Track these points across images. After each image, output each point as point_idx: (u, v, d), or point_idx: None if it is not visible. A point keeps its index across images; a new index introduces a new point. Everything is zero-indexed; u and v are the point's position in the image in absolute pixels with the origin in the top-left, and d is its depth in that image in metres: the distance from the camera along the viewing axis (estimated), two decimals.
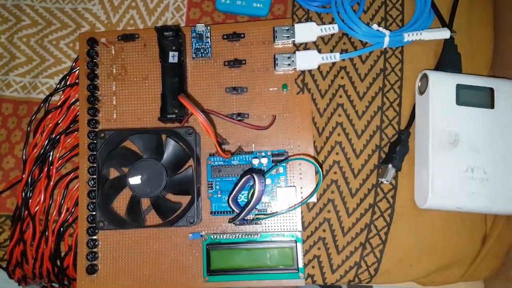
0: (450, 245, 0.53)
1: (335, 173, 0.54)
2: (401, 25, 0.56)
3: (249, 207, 0.47)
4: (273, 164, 0.52)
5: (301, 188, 0.53)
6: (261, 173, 0.50)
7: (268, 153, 0.53)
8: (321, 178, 0.47)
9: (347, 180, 0.53)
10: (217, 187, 0.53)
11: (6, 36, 0.58)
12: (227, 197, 0.51)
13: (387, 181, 0.51)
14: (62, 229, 0.54)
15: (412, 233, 0.52)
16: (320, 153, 0.54)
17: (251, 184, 0.50)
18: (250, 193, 0.50)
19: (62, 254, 0.54)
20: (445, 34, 0.53)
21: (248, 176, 0.48)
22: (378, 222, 0.53)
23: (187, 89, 0.54)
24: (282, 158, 0.52)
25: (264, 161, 0.53)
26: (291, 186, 0.52)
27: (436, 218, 0.53)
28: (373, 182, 0.53)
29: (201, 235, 0.52)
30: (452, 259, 0.53)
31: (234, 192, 0.49)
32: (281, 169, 0.52)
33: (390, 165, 0.51)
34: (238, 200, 0.52)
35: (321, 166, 0.54)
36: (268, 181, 0.52)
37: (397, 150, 0.51)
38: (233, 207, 0.49)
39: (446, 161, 0.49)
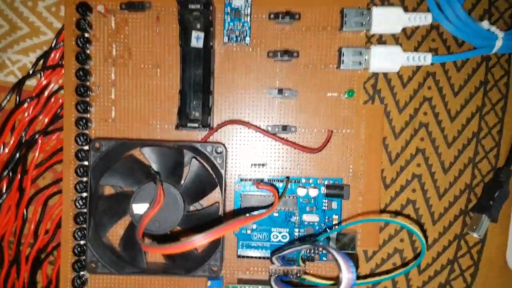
0: None
1: (408, 216, 0.46)
2: (510, 22, 0.46)
3: None
4: (325, 196, 0.44)
5: (360, 230, 0.43)
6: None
7: (319, 182, 0.44)
8: (424, 249, 0.37)
9: (423, 227, 0.46)
10: None
11: None
12: (260, 244, 0.43)
13: (479, 236, 0.43)
14: (39, 256, 0.47)
15: None
16: (390, 187, 0.46)
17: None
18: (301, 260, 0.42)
19: (39, 286, 0.48)
20: None
21: (311, 246, 0.39)
22: (456, 282, 0.46)
23: (213, 86, 0.44)
24: (341, 192, 0.43)
25: (313, 193, 0.44)
26: (348, 233, 0.43)
27: None
28: (456, 232, 0.46)
29: (223, 284, 0.44)
30: None
31: (284, 252, 0.40)
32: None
33: (484, 216, 0.43)
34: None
35: (426, 237, 0.46)
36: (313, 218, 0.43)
37: (496, 196, 0.43)
38: (276, 262, 0.42)
39: None
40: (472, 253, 0.46)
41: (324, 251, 0.43)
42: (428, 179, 0.46)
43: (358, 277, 0.43)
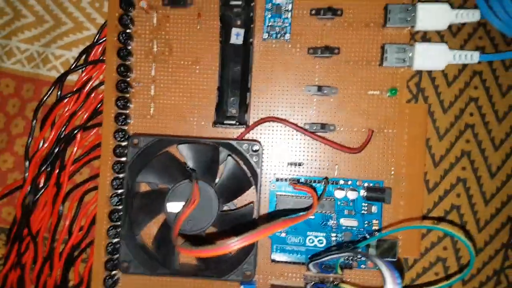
0: None
1: (451, 222, 0.42)
2: None
3: None
4: (365, 199, 0.42)
5: (400, 237, 0.41)
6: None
7: (358, 184, 0.42)
8: (473, 260, 0.35)
9: (468, 234, 0.43)
10: None
11: None
12: (295, 248, 0.42)
13: None
14: (73, 253, 0.47)
15: None
16: (433, 191, 0.44)
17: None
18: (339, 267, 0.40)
19: (71, 284, 0.47)
20: None
21: (352, 254, 0.37)
22: None
23: (251, 83, 0.43)
24: (382, 196, 0.41)
25: (352, 195, 0.42)
26: (389, 239, 0.41)
27: None
28: (503, 240, 0.44)
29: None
30: None
31: (323, 259, 0.38)
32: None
33: None
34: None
35: (474, 246, 0.43)
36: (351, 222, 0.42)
37: None
38: (313, 269, 0.40)
39: None
40: None
41: (363, 258, 0.41)
42: (474, 184, 0.43)
43: None
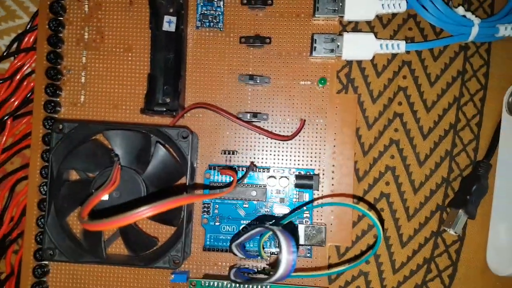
0: None
1: (381, 210, 0.44)
2: (490, 12, 0.45)
3: (266, 282, 0.35)
4: (296, 188, 0.42)
5: (331, 225, 0.42)
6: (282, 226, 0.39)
7: (291, 172, 0.43)
8: (380, 240, 0.35)
9: (398, 222, 0.43)
10: (216, 211, 0.43)
11: None
12: (229, 238, 0.42)
13: (455, 232, 0.41)
14: (4, 243, 0.46)
15: None
16: (363, 179, 0.44)
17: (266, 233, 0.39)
18: (263, 250, 0.40)
19: (2, 276, 0.47)
20: None
21: (263, 229, 0.37)
22: (433, 284, 0.43)
23: (185, 71, 0.44)
24: (310, 182, 0.41)
25: (284, 183, 0.42)
26: (317, 226, 0.41)
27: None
28: (433, 229, 0.43)
29: (188, 278, 0.41)
30: None
31: (240, 239, 0.38)
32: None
33: (461, 211, 0.41)
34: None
35: (382, 222, 0.43)
36: (284, 209, 0.42)
37: (473, 190, 0.41)
38: (236, 252, 0.39)
39: None
40: (450, 252, 0.43)
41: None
42: (403, 172, 0.44)
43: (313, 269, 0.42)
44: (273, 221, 0.42)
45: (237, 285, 0.39)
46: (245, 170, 0.43)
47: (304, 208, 0.42)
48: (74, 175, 0.44)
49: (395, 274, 0.43)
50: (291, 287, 0.41)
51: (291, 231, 0.40)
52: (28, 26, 0.45)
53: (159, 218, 0.41)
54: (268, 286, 0.40)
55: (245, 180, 0.42)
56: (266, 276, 0.35)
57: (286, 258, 0.31)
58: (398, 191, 0.44)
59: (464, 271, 0.43)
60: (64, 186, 0.42)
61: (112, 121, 0.44)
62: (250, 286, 0.39)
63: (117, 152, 0.41)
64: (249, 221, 0.43)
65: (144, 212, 0.28)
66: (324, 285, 0.42)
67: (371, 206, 0.44)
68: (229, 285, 0.41)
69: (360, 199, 0.44)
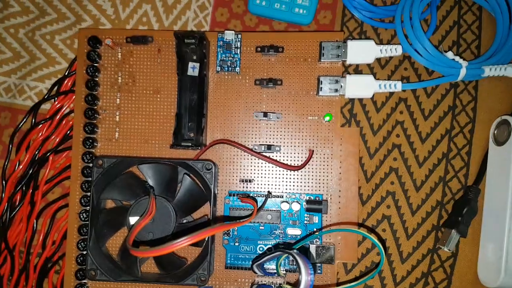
0: None
1: (383, 230, 0.49)
2: (477, 53, 0.50)
3: None
4: (307, 211, 0.47)
5: (339, 244, 0.47)
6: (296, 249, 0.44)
7: (301, 197, 0.48)
8: (383, 261, 0.40)
9: (398, 241, 0.48)
10: (235, 233, 0.48)
11: None
12: (248, 256, 0.47)
13: (449, 249, 0.45)
14: (46, 265, 0.50)
15: None
16: (366, 203, 0.49)
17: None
18: (280, 268, 0.45)
19: None
20: None
21: (281, 253, 0.42)
22: None
23: (207, 110, 0.49)
24: (320, 207, 0.46)
25: (295, 207, 0.47)
26: (327, 245, 0.46)
27: None
28: (429, 246, 0.48)
29: None
30: None
31: (261, 261, 0.43)
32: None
33: (453, 231, 0.46)
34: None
35: (384, 246, 0.48)
36: (296, 231, 0.47)
37: (464, 212, 0.46)
38: (257, 271, 0.44)
39: None
40: (445, 267, 0.48)
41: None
42: (402, 196, 0.48)
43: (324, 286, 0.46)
44: (282, 245, 0.47)
45: None
46: (264, 198, 0.47)
47: (316, 233, 0.46)
48: (109, 203, 0.49)
49: (396, 287, 0.48)
50: None
51: (304, 251, 0.46)
52: (67, 71, 0.51)
53: None
54: None
55: (264, 207, 0.47)
56: None
57: (305, 279, 0.36)
58: (398, 213, 0.49)
59: (458, 284, 0.48)
60: (102, 213, 0.47)
61: (143, 156, 0.49)
62: None
63: (149, 182, 0.47)
64: (265, 242, 0.48)
65: (183, 242, 0.34)
66: None
67: (374, 227, 0.48)
68: None
69: (363, 221, 0.49)
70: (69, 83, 0.51)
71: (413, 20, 0.47)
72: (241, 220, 0.41)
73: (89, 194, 0.47)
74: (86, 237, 0.47)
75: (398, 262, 0.48)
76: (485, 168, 0.48)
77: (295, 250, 0.38)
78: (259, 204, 0.47)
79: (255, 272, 0.45)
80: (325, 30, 0.51)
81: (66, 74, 0.51)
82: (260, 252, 0.48)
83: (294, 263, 0.46)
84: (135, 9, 0.52)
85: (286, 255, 0.41)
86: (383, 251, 0.39)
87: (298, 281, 0.37)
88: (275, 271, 0.45)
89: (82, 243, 0.48)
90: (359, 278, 0.47)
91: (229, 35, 0.48)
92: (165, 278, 0.47)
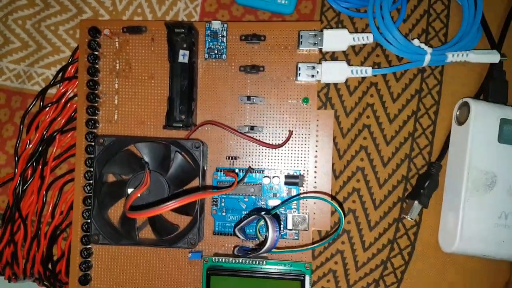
0: None
1: (353, 201, 0.53)
2: (444, 40, 0.54)
3: (258, 253, 0.47)
4: (286, 185, 0.52)
5: (314, 214, 0.52)
6: (271, 214, 0.50)
7: (281, 173, 0.52)
8: (342, 223, 0.46)
9: (367, 211, 0.53)
10: (222, 204, 0.53)
11: (0, 16, 0.57)
12: (233, 224, 0.52)
13: (411, 218, 0.50)
14: (55, 232, 0.55)
15: (431, 275, 0.53)
16: (339, 177, 0.54)
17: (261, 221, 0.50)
18: (259, 233, 0.51)
19: (55, 258, 0.56)
20: (494, 58, 0.50)
21: (257, 216, 0.48)
22: (395, 259, 0.53)
23: (197, 94, 0.53)
24: (296, 181, 0.51)
25: (276, 181, 0.52)
26: (302, 214, 0.52)
27: (458, 260, 0.53)
28: (395, 216, 0.53)
29: (202, 256, 0.52)
30: None
31: (241, 225, 0.49)
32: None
33: (416, 202, 0.51)
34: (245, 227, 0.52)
35: (343, 210, 0.53)
36: (276, 202, 0.52)
37: (426, 185, 0.51)
38: (239, 235, 0.50)
39: (479, 205, 0.48)
40: (409, 235, 0.53)
41: (284, 230, 0.52)
42: (371, 172, 0.53)
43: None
44: (264, 212, 0.52)
45: (239, 259, 0.50)
46: (244, 172, 0.53)
47: (291, 199, 0.51)
48: (111, 177, 0.54)
49: (365, 252, 0.53)
50: (285, 263, 0.51)
51: (277, 218, 0.51)
52: (70, 59, 0.55)
53: (179, 210, 0.52)
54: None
55: (245, 180, 0.52)
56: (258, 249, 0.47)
57: (271, 235, 0.42)
58: (367, 186, 0.53)
59: (420, 249, 0.53)
60: (104, 186, 0.53)
61: (139, 135, 0.54)
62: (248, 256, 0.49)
63: (145, 159, 0.52)
64: (248, 211, 0.53)
65: (172, 205, 0.39)
66: (309, 260, 0.52)
67: (345, 199, 0.53)
68: (232, 260, 0.51)
69: (336, 194, 0.54)
70: (73, 70, 0.55)
71: (383, 11, 0.51)
72: (223, 189, 0.47)
73: (92, 169, 0.53)
74: (90, 207, 0.52)
75: (367, 230, 0.53)
76: (447, 146, 0.52)
77: (265, 214, 0.44)
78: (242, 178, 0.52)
79: (238, 236, 0.50)
80: (306, 19, 0.55)
81: (69, 61, 0.55)
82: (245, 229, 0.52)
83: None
84: (131, 1, 0.56)
85: (263, 221, 0.47)
86: (342, 214, 0.45)
87: (266, 238, 0.43)
88: (255, 235, 0.51)
89: (87, 212, 0.53)
90: (332, 245, 0.53)
91: (216, 24, 0.52)
92: (159, 242, 0.52)
